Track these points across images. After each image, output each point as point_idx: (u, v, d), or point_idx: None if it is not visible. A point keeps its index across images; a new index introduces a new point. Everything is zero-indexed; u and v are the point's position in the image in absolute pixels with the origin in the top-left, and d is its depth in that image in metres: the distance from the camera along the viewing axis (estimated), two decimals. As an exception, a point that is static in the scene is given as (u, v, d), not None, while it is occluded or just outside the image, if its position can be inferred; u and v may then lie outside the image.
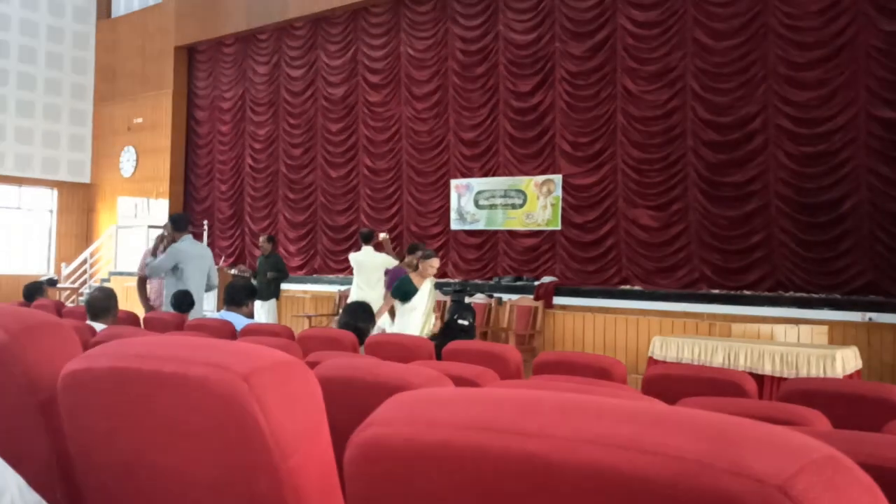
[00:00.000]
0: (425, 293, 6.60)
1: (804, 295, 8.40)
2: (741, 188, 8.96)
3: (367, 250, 8.80)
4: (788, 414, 2.11)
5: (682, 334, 7.81)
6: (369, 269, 8.71)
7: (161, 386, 0.98)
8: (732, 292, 8.80)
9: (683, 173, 9.37)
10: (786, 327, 7.15)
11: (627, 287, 9.58)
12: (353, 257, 8.92)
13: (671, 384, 3.27)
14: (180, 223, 7.34)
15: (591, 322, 9.04)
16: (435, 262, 6.71)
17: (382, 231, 10.40)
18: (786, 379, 5.49)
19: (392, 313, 7.05)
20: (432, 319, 6.68)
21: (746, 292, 8.75)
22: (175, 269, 7.08)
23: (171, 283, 7.06)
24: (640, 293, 9.20)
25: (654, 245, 9.55)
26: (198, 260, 7.17)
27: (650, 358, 6.72)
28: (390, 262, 8.77)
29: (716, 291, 8.91)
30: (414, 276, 6.67)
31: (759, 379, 5.79)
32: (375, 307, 5.59)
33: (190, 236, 7.33)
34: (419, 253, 7.39)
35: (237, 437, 0.92)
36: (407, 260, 8.06)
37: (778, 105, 8.74)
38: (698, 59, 9.27)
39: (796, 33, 8.67)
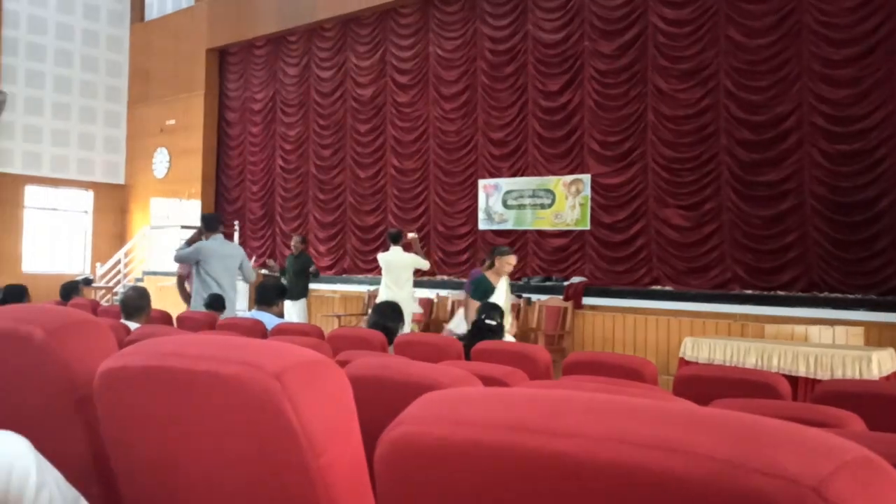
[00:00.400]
0: (502, 291, 6.57)
1: (839, 295, 8.27)
2: (775, 187, 8.85)
3: (395, 250, 8.83)
4: (822, 415, 2.08)
5: (713, 335, 7.73)
6: (398, 269, 8.74)
7: (194, 384, 1.00)
8: (766, 293, 8.68)
9: (716, 172, 9.27)
10: (820, 328, 7.05)
11: (658, 287, 9.51)
12: (382, 257, 8.96)
13: (703, 385, 3.24)
14: (211, 222, 7.49)
15: (622, 322, 8.98)
16: (512, 259, 6.59)
17: (411, 231, 10.42)
18: (820, 381, 5.42)
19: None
20: (510, 318, 6.59)
21: (780, 293, 8.63)
22: (198, 267, 7.15)
23: (197, 283, 7.14)
24: (671, 293, 9.12)
25: (685, 245, 9.46)
26: (224, 259, 7.20)
27: (681, 359, 6.66)
28: (418, 261, 8.78)
29: (749, 292, 8.80)
30: (490, 275, 6.64)
31: (794, 381, 5.71)
32: (404, 306, 5.61)
33: (220, 236, 7.44)
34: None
35: (269, 434, 0.93)
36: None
37: (812, 103, 8.62)
38: (731, 57, 9.17)
39: (831, 30, 8.53)
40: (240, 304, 9.11)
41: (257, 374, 0.94)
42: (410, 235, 9.57)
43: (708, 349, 6.47)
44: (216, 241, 7.32)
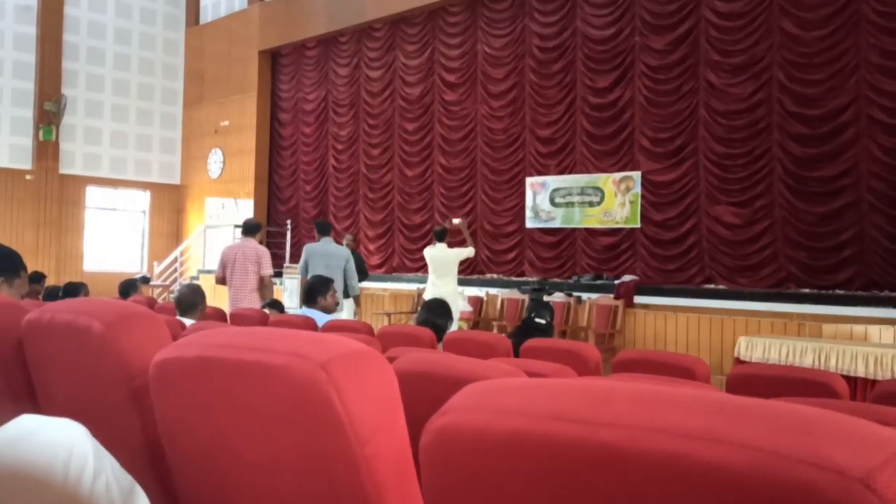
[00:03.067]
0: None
1: (899, 294, 8.04)
2: (830, 183, 8.63)
3: (440, 246, 8.88)
4: (882, 415, 2.03)
5: (769, 335, 7.58)
6: (442, 264, 8.78)
7: (244, 374, 1.02)
8: (823, 291, 8.47)
9: (769, 168, 9.09)
10: (880, 328, 6.86)
11: (711, 286, 9.36)
12: (427, 252, 9.02)
13: (757, 384, 3.19)
14: (320, 227, 8.22)
15: (674, 322, 8.87)
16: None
17: (457, 217, 10.41)
18: (880, 381, 5.27)
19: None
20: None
21: (839, 291, 8.42)
22: (306, 270, 7.84)
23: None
24: (725, 292, 8.97)
25: (737, 243, 9.30)
26: (327, 258, 7.81)
27: (736, 359, 6.54)
28: (462, 253, 8.82)
29: (805, 291, 8.60)
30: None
31: (852, 382, 5.57)
32: (450, 302, 5.64)
33: (328, 238, 8.11)
34: None
35: (315, 423, 0.95)
36: None
37: (870, 95, 8.38)
38: (785, 50, 8.97)
39: (890, 20, 8.29)
40: (292, 301, 9.23)
41: (304, 363, 0.96)
42: (456, 221, 9.62)
43: (763, 348, 6.34)
44: (321, 243, 7.97)
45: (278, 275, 10.29)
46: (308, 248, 8.03)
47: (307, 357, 0.97)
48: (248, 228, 7.89)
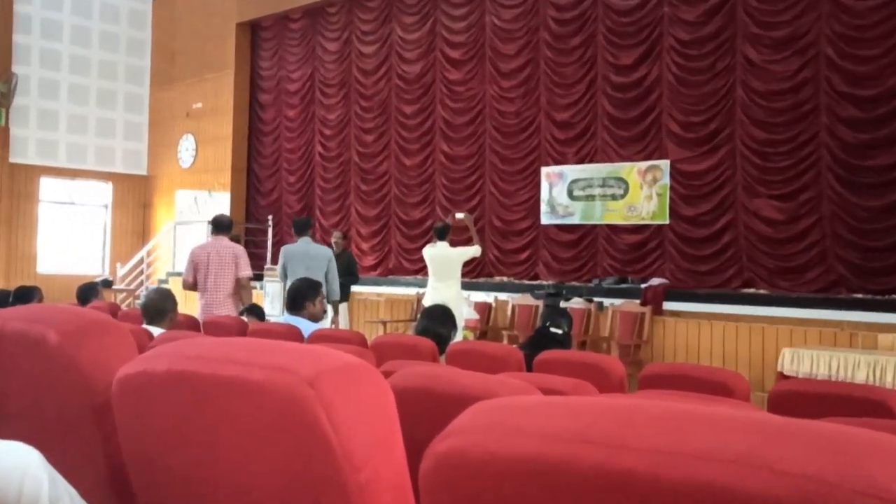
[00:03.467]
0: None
1: (965, 299, 8.03)
2: (885, 173, 8.62)
3: (441, 245, 8.88)
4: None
5: (817, 346, 7.58)
6: (443, 265, 8.79)
7: (220, 391, 1.02)
8: (878, 297, 8.46)
9: (815, 156, 9.08)
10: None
11: (751, 291, 9.35)
12: (427, 252, 9.02)
13: (803, 403, 3.19)
14: (298, 226, 8.37)
15: (708, 331, 8.86)
16: None
17: (460, 212, 10.41)
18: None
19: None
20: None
21: None
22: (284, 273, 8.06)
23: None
24: (767, 298, 8.96)
25: (778, 241, 9.28)
26: (307, 260, 7.98)
27: (779, 373, 6.56)
28: (466, 253, 8.83)
29: (858, 296, 8.59)
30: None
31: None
32: (453, 307, 5.66)
33: (307, 238, 8.29)
34: None
35: (302, 446, 0.95)
36: None
37: (932, 74, 8.38)
38: (835, 22, 8.96)
39: (955, -12, 8.28)
40: (274, 308, 9.25)
41: (289, 379, 0.96)
42: (459, 216, 9.62)
43: (810, 362, 6.35)
44: (300, 243, 8.12)
45: (258, 277, 10.30)
46: (286, 250, 8.16)
47: (292, 371, 0.97)
48: (221, 226, 7.93)
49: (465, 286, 9.64)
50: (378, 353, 4.01)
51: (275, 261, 13.44)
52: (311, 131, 14.53)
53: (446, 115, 12.48)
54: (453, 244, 9.15)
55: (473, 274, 11.54)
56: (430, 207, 12.66)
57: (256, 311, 7.20)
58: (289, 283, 7.98)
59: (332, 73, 14.18)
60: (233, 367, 1.02)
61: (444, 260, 8.81)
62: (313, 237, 8.65)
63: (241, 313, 7.23)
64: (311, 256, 8.02)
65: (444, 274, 8.79)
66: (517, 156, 11.64)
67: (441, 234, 8.94)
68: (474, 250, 8.94)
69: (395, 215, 13.17)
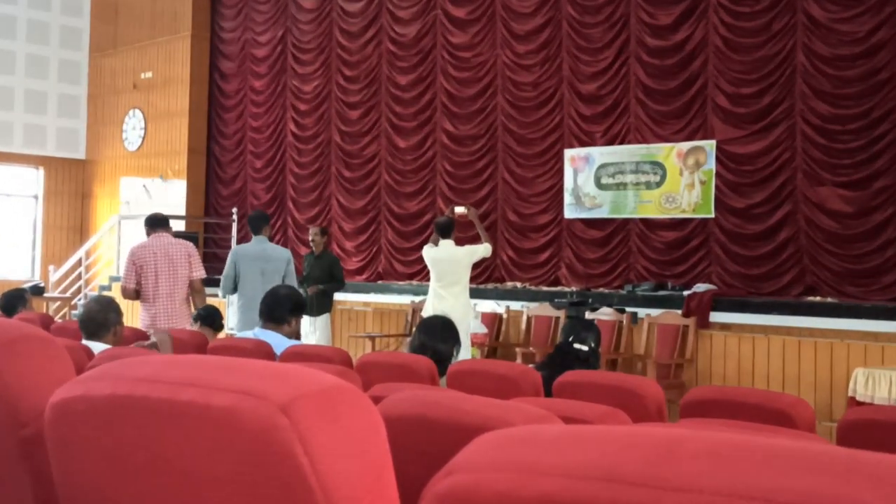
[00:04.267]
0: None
1: None
2: (980, 156, 8.62)
3: (445, 244, 8.87)
4: None
5: None
6: (449, 268, 8.78)
7: (175, 419, 1.02)
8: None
9: (892, 136, 9.08)
10: None
11: (815, 299, 9.35)
12: (428, 253, 9.02)
13: (880, 434, 3.19)
14: (254, 223, 8.51)
15: (764, 347, 8.85)
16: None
17: (460, 205, 10.41)
18: None
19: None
20: None
21: None
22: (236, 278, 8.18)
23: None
24: (835, 307, 8.95)
25: (848, 239, 9.29)
26: (262, 263, 8.11)
27: (851, 398, 6.55)
28: (475, 252, 8.82)
29: (945, 304, 8.60)
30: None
31: None
32: (458, 320, 5.66)
33: (263, 237, 8.41)
34: None
35: (274, 486, 0.95)
36: None
37: None
38: (917, -26, 8.97)
39: None
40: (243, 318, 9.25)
41: (258, 405, 0.96)
42: (460, 210, 9.61)
43: (888, 385, 6.35)
44: (254, 242, 8.24)
45: (217, 283, 10.30)
46: (237, 251, 8.26)
47: (262, 396, 0.97)
48: (159, 222, 8.06)
49: (472, 293, 9.64)
50: (365, 374, 4.01)
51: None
52: (283, 106, 14.53)
53: (449, 86, 12.47)
54: (460, 242, 9.15)
55: (481, 279, 11.53)
56: (430, 199, 12.65)
57: (211, 319, 7.18)
58: (241, 291, 8.12)
59: (308, 36, 14.19)
60: (191, 390, 1.02)
61: (449, 262, 8.80)
62: (272, 236, 8.72)
63: (195, 319, 7.25)
64: (268, 258, 8.10)
65: (449, 279, 8.78)
66: (535, 136, 11.64)
67: (444, 231, 8.92)
68: (484, 249, 8.94)
69: (386, 208, 13.16)
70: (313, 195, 14.07)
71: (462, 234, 10.01)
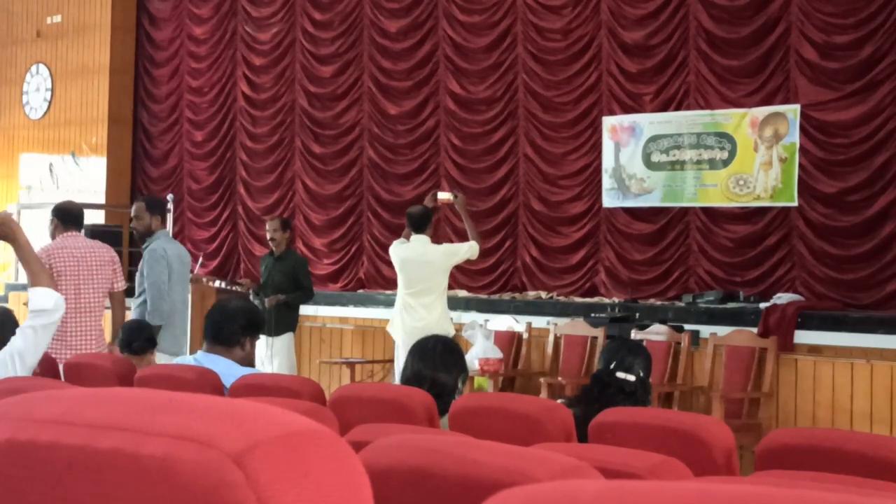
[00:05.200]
0: None
1: None
2: None
3: (418, 241, 8.88)
4: None
5: None
6: (420, 272, 8.81)
7: (93, 472, 1.02)
8: None
9: None
10: None
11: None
12: (396, 251, 9.05)
13: None
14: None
15: (866, 377, 8.84)
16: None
17: (445, 192, 10.39)
18: None
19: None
20: None
21: None
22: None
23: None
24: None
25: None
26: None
27: None
28: (456, 252, 8.88)
29: None
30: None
31: None
32: (442, 331, 5.70)
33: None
34: None
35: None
36: None
37: None
38: None
39: None
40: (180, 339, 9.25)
41: (204, 455, 0.96)
42: (443, 196, 9.58)
43: None
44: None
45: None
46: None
47: (208, 443, 0.97)
48: (74, 217, 8.16)
49: (482, 306, 9.64)
50: (343, 412, 4.01)
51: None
52: (232, 60, 14.52)
53: (455, 34, 12.46)
54: (437, 239, 9.17)
55: (494, 287, 11.53)
56: (430, 182, 12.60)
57: (139, 337, 7.13)
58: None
59: (267, -32, 14.20)
60: (114, 435, 1.02)
61: (421, 263, 8.83)
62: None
63: (122, 342, 7.23)
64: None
65: (421, 285, 8.82)
66: (566, 99, 11.63)
67: (418, 224, 8.95)
68: (469, 248, 8.94)
69: (370, 194, 13.14)
70: (272, 177, 14.05)
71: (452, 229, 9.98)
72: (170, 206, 14.36)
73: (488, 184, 12.03)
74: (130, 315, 8.35)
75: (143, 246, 8.65)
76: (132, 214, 9.01)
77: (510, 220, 11.74)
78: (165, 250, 8.55)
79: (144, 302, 8.34)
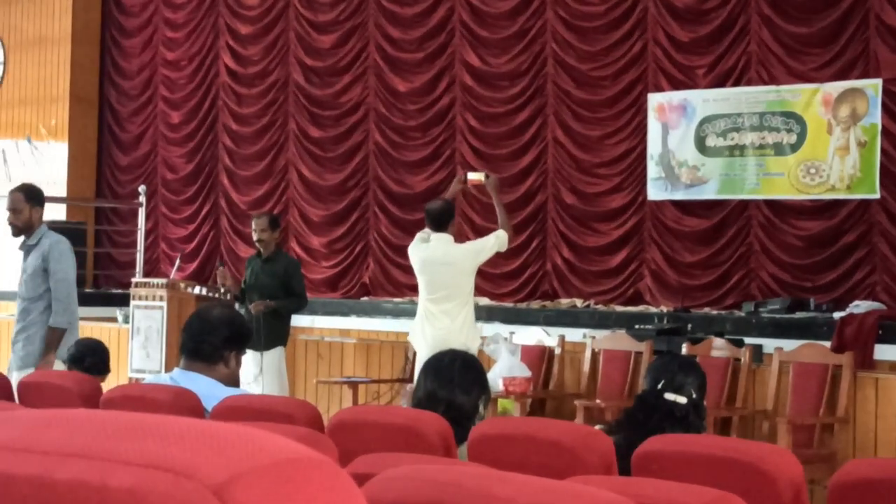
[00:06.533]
0: None
1: None
2: None
3: (439, 240, 8.88)
4: None
5: None
6: (443, 275, 8.81)
7: (53, 507, 1.02)
8: None
9: None
10: None
11: None
12: (416, 252, 9.05)
13: None
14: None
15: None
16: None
17: (475, 171, 10.40)
18: None
19: None
20: None
21: None
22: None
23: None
24: None
25: None
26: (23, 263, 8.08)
27: None
28: (484, 250, 8.85)
29: None
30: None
31: None
32: (469, 348, 5.69)
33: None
34: None
35: None
36: None
37: None
38: None
39: None
40: (153, 356, 9.29)
41: (181, 487, 0.96)
42: (474, 177, 9.57)
43: None
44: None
45: (121, 300, 10.34)
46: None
47: (186, 473, 0.97)
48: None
49: (507, 316, 9.65)
50: (344, 439, 4.01)
51: (154, 265, 13.48)
52: (214, 29, 14.56)
53: (473, -3, 12.50)
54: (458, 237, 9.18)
55: (521, 294, 11.54)
56: (445, 170, 12.63)
57: (87, 359, 7.17)
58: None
59: (254, -81, 14.24)
60: (76, 465, 1.02)
61: (444, 265, 8.82)
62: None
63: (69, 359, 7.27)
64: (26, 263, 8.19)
65: (443, 291, 8.81)
66: (604, 73, 11.64)
67: (438, 221, 8.94)
68: (496, 239, 8.94)
69: (376, 185, 13.17)
70: (261, 165, 14.07)
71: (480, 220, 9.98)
72: (142, 199, 14.44)
73: (512, 172, 12.03)
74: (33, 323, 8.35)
75: (27, 243, 8.57)
76: (8, 206, 8.79)
77: (538, 215, 11.75)
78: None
79: (48, 307, 8.24)
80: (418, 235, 9.22)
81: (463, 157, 12.45)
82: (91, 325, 11.49)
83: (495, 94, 12.32)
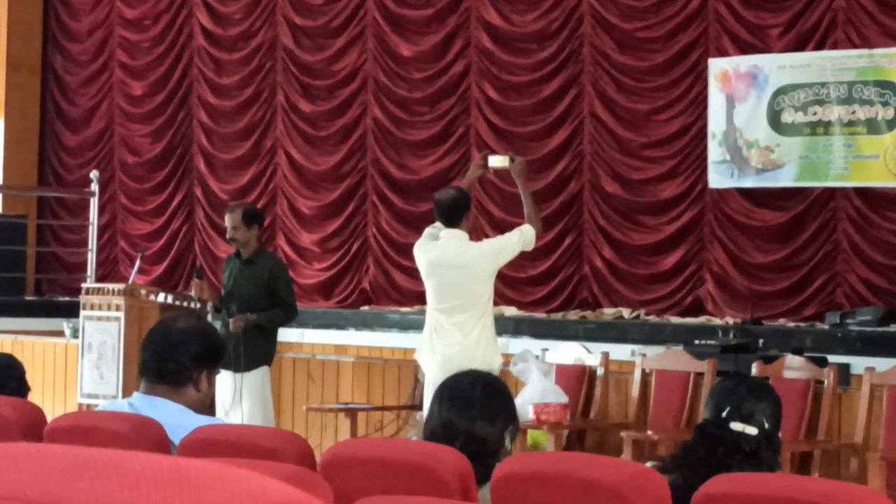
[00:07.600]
0: None
1: None
2: None
3: (451, 237, 8.91)
4: None
5: None
6: (455, 280, 8.85)
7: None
8: None
9: None
10: None
11: None
12: (423, 253, 9.07)
13: None
14: None
15: None
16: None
17: (497, 153, 10.42)
18: None
19: None
20: None
21: None
22: None
23: None
24: None
25: None
26: None
27: None
28: (505, 248, 8.87)
29: None
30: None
31: None
32: (484, 363, 5.69)
33: None
34: None
35: None
36: None
37: None
38: None
39: None
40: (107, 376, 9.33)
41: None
42: (496, 162, 9.55)
43: None
44: None
45: (71, 308, 10.40)
46: None
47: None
48: None
49: (538, 329, 9.68)
50: (340, 478, 4.02)
51: (110, 267, 13.52)
52: (184, -19, 14.62)
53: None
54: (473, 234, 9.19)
55: (555, 302, 11.57)
56: (458, 152, 12.68)
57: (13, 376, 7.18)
58: None
59: None
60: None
61: (456, 268, 8.85)
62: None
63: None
64: None
65: (456, 300, 8.85)
66: (654, 33, 11.68)
67: (450, 214, 8.96)
68: (519, 238, 8.95)
69: (376, 169, 13.22)
70: (244, 147, 14.14)
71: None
72: (94, 187, 14.46)
73: (539, 155, 12.05)
74: None
75: None
76: None
77: (571, 206, 11.78)
78: None
79: None
80: (426, 232, 9.21)
81: (479, 136, 12.49)
82: (32, 341, 11.53)
83: (519, 60, 12.37)
